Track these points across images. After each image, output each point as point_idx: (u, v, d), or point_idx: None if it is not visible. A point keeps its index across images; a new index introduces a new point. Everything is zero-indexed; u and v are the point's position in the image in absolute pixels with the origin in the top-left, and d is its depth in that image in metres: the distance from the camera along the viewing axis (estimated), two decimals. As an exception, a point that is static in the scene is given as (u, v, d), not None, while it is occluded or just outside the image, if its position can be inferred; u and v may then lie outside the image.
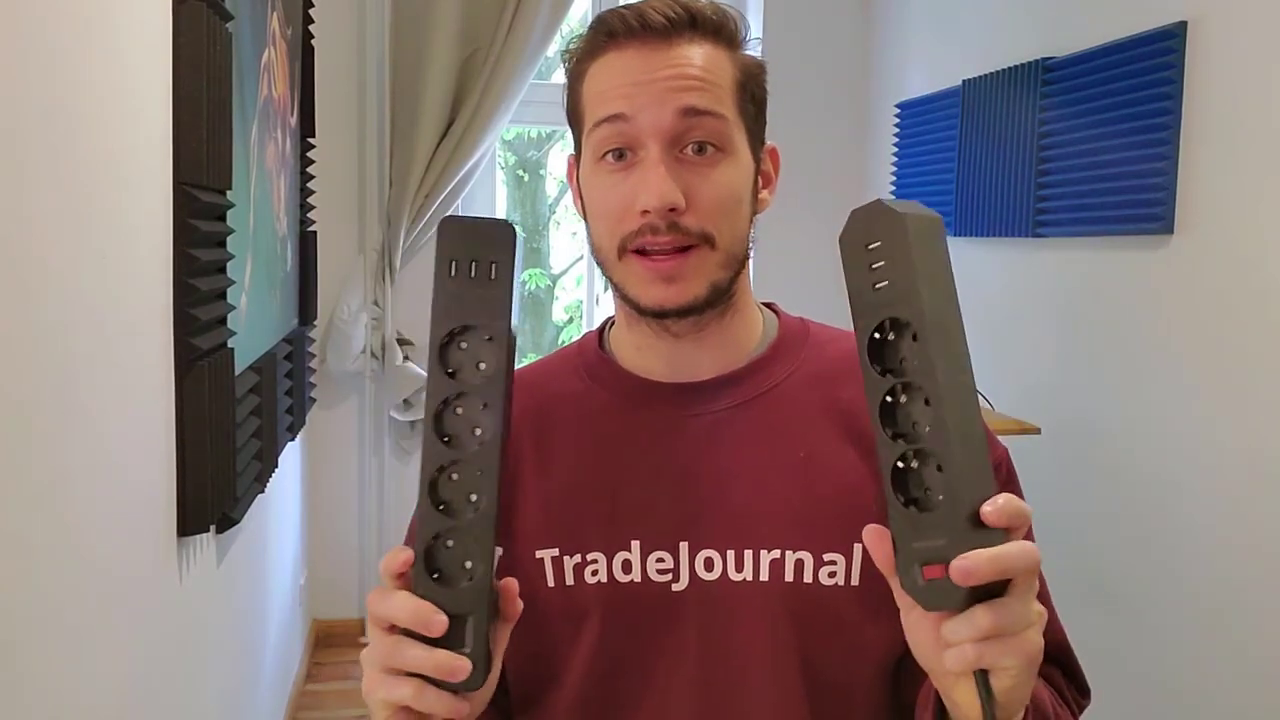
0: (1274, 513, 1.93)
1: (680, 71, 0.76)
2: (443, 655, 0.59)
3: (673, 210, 0.75)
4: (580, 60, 0.80)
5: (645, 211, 0.75)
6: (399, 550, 0.61)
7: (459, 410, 0.59)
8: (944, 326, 0.57)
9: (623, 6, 0.78)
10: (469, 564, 0.59)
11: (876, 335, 0.59)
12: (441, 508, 0.59)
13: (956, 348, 0.58)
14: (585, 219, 0.83)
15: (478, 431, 0.59)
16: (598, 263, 0.82)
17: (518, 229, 0.59)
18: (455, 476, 0.59)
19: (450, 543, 0.59)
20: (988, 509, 0.56)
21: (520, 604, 0.63)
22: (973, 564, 0.55)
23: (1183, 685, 2.16)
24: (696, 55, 0.77)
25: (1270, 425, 1.94)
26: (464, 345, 0.59)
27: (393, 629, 0.60)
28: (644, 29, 0.76)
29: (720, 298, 0.79)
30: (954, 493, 0.56)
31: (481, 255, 0.59)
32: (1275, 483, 1.93)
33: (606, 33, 0.78)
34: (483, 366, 0.59)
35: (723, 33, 0.79)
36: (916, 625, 0.62)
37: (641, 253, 0.77)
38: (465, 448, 0.59)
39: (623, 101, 0.76)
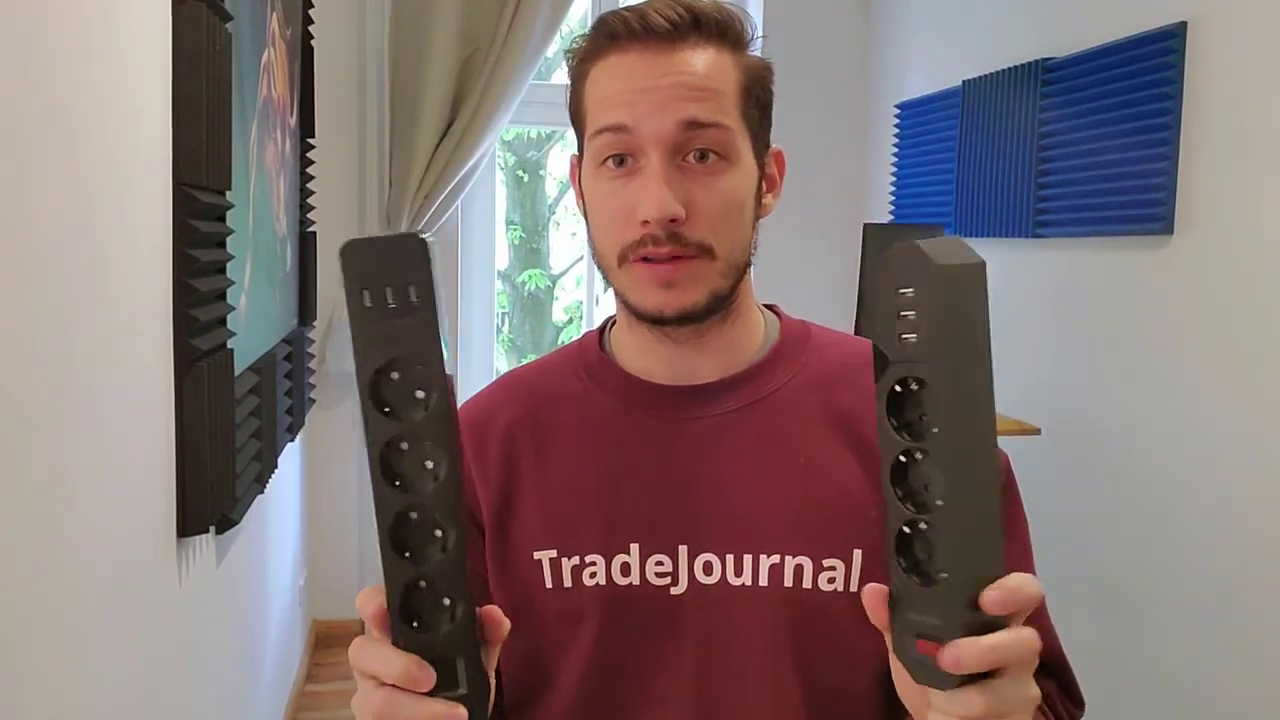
0: (1274, 513, 1.93)
1: (682, 79, 0.74)
2: (439, 707, 0.56)
3: (673, 221, 0.74)
4: (582, 61, 0.79)
5: (646, 221, 0.74)
6: (373, 593, 0.57)
7: (405, 448, 0.53)
8: (970, 395, 0.53)
9: (626, 8, 0.77)
10: (447, 602, 0.55)
11: (898, 388, 0.55)
12: (407, 555, 0.54)
13: (980, 418, 0.53)
14: (587, 219, 0.82)
15: (429, 465, 0.53)
16: (599, 267, 0.82)
17: (428, 239, 0.52)
18: (415, 518, 0.54)
19: (423, 584, 0.55)
20: (991, 596, 0.53)
21: (506, 626, 0.60)
22: (964, 654, 0.53)
23: (1183, 685, 2.16)
24: (700, 61, 0.75)
25: (1270, 425, 1.94)
26: (396, 378, 0.53)
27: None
28: (646, 31, 0.75)
29: (720, 305, 0.78)
30: (957, 574, 0.53)
31: (396, 278, 0.52)
32: (1275, 483, 1.93)
33: (608, 34, 0.77)
34: (421, 396, 0.53)
35: (728, 34, 0.77)
36: (905, 677, 0.60)
37: (642, 259, 0.76)
38: (421, 489, 0.53)
39: (624, 110, 0.75)
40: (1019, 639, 0.54)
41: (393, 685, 0.56)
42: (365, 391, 0.53)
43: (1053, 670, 0.82)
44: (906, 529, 0.55)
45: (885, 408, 0.56)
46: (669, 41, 0.75)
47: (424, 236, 0.52)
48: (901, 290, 0.54)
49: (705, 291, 0.76)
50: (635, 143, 0.75)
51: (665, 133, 0.74)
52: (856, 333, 2.38)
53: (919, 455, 0.55)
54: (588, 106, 0.79)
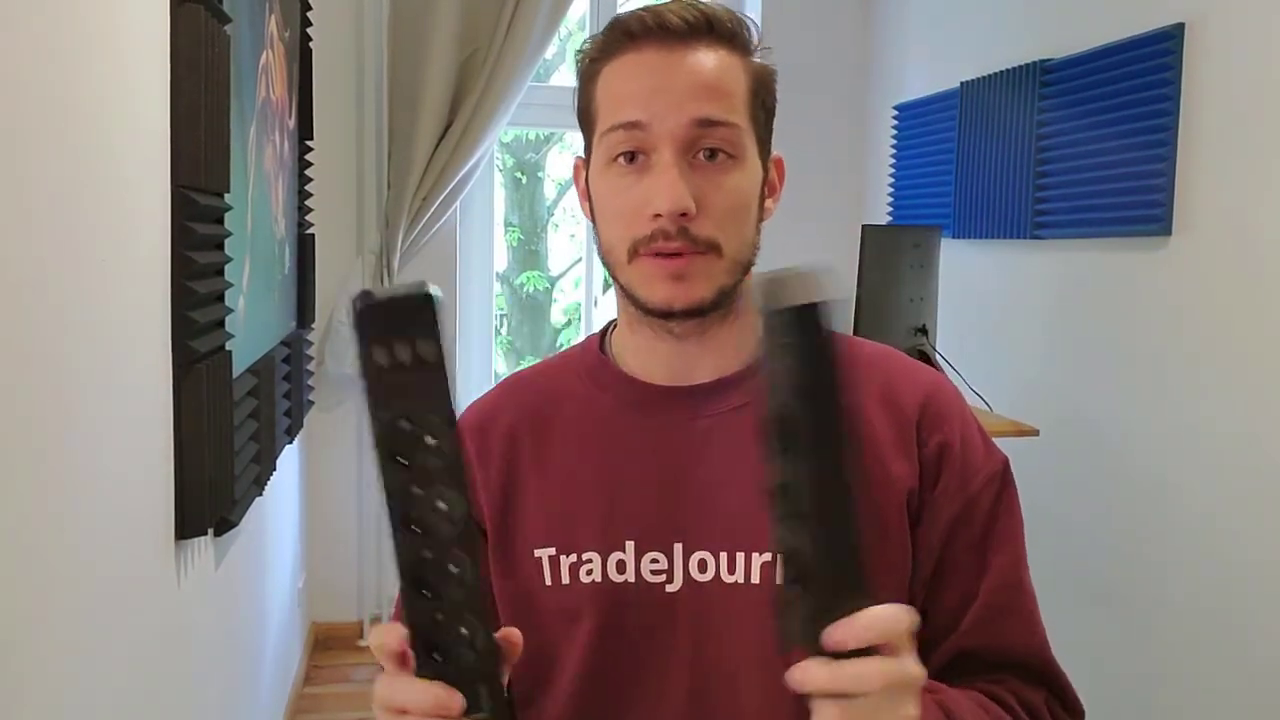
0: (1273, 513, 1.93)
1: (697, 78, 0.76)
2: None
3: (684, 215, 0.75)
4: (594, 60, 0.80)
5: (657, 215, 0.75)
6: (391, 629, 0.59)
7: (419, 493, 0.56)
8: (801, 436, 0.54)
9: (640, 9, 0.79)
10: (465, 632, 0.57)
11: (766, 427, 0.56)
12: (426, 593, 0.57)
13: (827, 460, 0.54)
14: (593, 221, 0.83)
15: (443, 507, 0.56)
16: (606, 265, 0.82)
17: (434, 292, 0.54)
18: (432, 558, 0.56)
19: (443, 618, 0.57)
20: (834, 637, 0.55)
21: (520, 646, 0.61)
22: (807, 678, 0.55)
23: (1182, 685, 2.16)
24: (712, 61, 0.77)
25: (1269, 426, 1.94)
26: (408, 428, 0.55)
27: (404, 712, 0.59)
28: (663, 30, 0.77)
29: (725, 301, 0.80)
30: (813, 605, 0.55)
31: (406, 334, 0.53)
32: (1274, 483, 1.93)
33: (624, 33, 0.78)
34: (432, 443, 0.55)
35: (737, 40, 0.79)
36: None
37: (652, 255, 0.77)
38: (437, 531, 0.56)
39: (639, 108, 0.76)
40: (856, 674, 0.55)
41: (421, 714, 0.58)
42: (379, 442, 0.55)
43: (1043, 676, 0.82)
44: (784, 536, 0.57)
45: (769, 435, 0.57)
46: (684, 41, 0.77)
47: (432, 291, 0.54)
48: (763, 329, 0.55)
49: (713, 287, 0.78)
50: (648, 139, 0.76)
51: (679, 130, 0.75)
52: (855, 333, 2.38)
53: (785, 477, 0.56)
54: (599, 105, 0.80)
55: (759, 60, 0.81)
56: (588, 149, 0.83)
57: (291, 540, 3.00)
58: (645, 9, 0.78)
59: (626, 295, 0.81)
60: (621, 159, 0.78)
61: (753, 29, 0.81)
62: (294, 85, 2.68)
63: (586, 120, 0.82)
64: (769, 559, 0.78)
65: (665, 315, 0.79)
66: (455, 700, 0.56)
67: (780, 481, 0.55)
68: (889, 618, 0.55)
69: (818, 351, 0.54)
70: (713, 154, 0.76)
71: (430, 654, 0.57)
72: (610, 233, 0.80)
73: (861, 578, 0.56)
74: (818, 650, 0.55)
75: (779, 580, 0.57)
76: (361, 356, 0.54)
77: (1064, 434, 2.51)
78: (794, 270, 0.54)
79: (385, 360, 0.54)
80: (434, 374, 0.54)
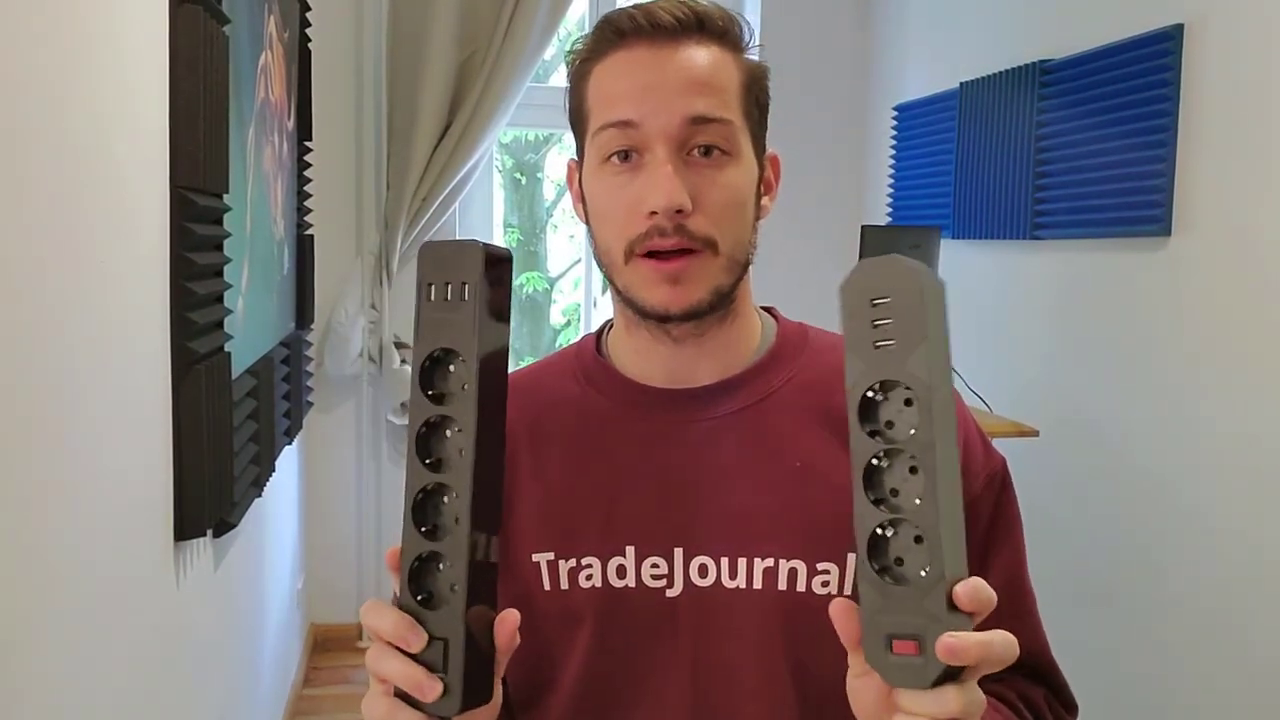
0: (1273, 513, 1.93)
1: (689, 75, 0.75)
2: (417, 671, 0.58)
3: (679, 212, 0.74)
4: (585, 60, 0.80)
5: (653, 213, 0.74)
6: (379, 603, 0.61)
7: (439, 429, 0.59)
8: (946, 399, 0.56)
9: (630, 7, 0.78)
10: (455, 587, 0.58)
11: (869, 394, 0.57)
12: (424, 530, 0.59)
13: (952, 420, 0.56)
14: (588, 223, 0.82)
15: (461, 453, 0.58)
16: (602, 267, 0.82)
17: (503, 244, 0.58)
18: (440, 499, 0.59)
19: (439, 565, 0.59)
20: (962, 591, 0.54)
21: (517, 639, 0.62)
22: (961, 645, 0.53)
23: (1180, 685, 2.16)
24: (704, 58, 0.77)
25: (1268, 426, 1.94)
26: (448, 367, 0.59)
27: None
28: (653, 28, 0.76)
29: (722, 302, 0.79)
30: (936, 570, 0.55)
31: (453, 277, 0.59)
32: (1274, 483, 1.93)
33: (615, 31, 0.77)
34: (465, 388, 0.58)
35: (729, 36, 0.79)
36: (865, 688, 0.61)
37: (649, 255, 0.76)
38: (449, 468, 0.59)
39: (631, 106, 0.75)
40: (1005, 641, 0.56)
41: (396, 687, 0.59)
42: (415, 375, 0.59)
43: (1042, 674, 0.82)
44: (880, 530, 0.57)
45: (858, 414, 0.57)
46: (674, 38, 0.76)
47: (490, 245, 0.59)
48: (877, 300, 0.56)
49: (709, 287, 0.77)
50: (641, 138, 0.75)
51: (672, 127, 0.75)
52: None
53: (887, 459, 0.57)
54: (591, 105, 0.79)
55: (751, 57, 0.81)
56: (580, 150, 0.82)
57: (291, 541, 2.99)
58: (635, 7, 0.78)
59: (623, 298, 0.80)
60: (615, 158, 0.77)
61: (744, 26, 0.80)
62: (293, 86, 2.68)
63: (578, 121, 0.82)
64: (771, 564, 0.78)
65: (663, 319, 0.78)
66: (415, 636, 0.58)
67: (923, 436, 0.56)
68: (987, 588, 0.56)
69: (939, 329, 0.56)
70: (707, 150, 0.76)
71: (415, 594, 0.59)
72: (605, 234, 0.79)
73: (965, 544, 0.56)
74: (940, 624, 0.54)
75: (869, 560, 0.57)
76: (417, 293, 0.60)
77: (1064, 434, 2.51)
78: (901, 259, 0.56)
79: (434, 297, 0.59)
80: (468, 320, 0.58)
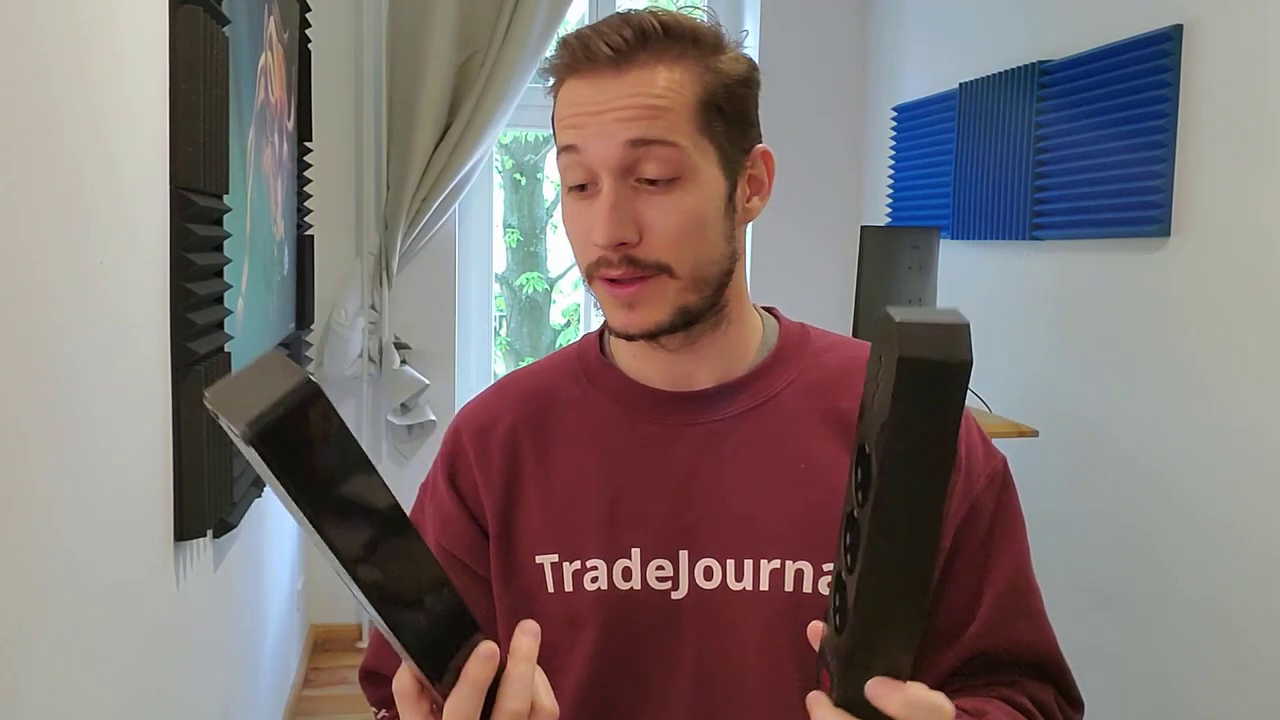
0: (1273, 513, 1.93)
1: (627, 102, 0.73)
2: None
3: (624, 245, 0.74)
4: (551, 82, 0.80)
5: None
6: (402, 674, 0.59)
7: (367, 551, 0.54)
8: (902, 492, 0.51)
9: (580, 30, 0.77)
10: (456, 645, 0.57)
11: (863, 446, 0.54)
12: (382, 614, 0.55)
13: (912, 517, 0.52)
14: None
15: (319, 546, 0.54)
16: None
17: (312, 380, 0.50)
18: (349, 581, 0.54)
19: (426, 623, 0.56)
20: (877, 691, 0.56)
21: (536, 635, 0.63)
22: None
23: (1180, 685, 2.16)
24: (649, 80, 0.74)
25: (1268, 426, 1.94)
26: (342, 499, 0.54)
27: None
28: (589, 60, 0.75)
29: (694, 318, 0.78)
30: (856, 639, 0.55)
31: (249, 457, 0.50)
32: (1274, 483, 1.93)
33: (567, 56, 0.77)
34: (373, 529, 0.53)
35: (681, 50, 0.75)
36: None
37: (607, 279, 0.77)
38: (329, 556, 0.54)
39: (573, 133, 0.76)
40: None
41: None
42: (323, 536, 0.53)
43: (1050, 672, 0.82)
44: (843, 575, 0.57)
45: (854, 460, 0.55)
46: (614, 66, 0.74)
47: (309, 379, 0.49)
48: (877, 355, 0.52)
49: (668, 309, 0.77)
50: (588, 165, 0.75)
51: (611, 156, 0.74)
52: (854, 335, 2.38)
53: (859, 515, 0.54)
54: (555, 127, 0.80)
55: (721, 61, 0.77)
56: None
57: (290, 542, 2.99)
58: (581, 32, 0.77)
59: None
60: (574, 190, 0.77)
61: (702, 31, 0.76)
62: (293, 87, 2.68)
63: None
64: (777, 566, 0.78)
65: (628, 339, 0.79)
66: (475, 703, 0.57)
67: (872, 523, 0.53)
68: (934, 708, 0.56)
69: (947, 414, 0.50)
70: (654, 180, 0.74)
71: (439, 672, 0.56)
72: (573, 254, 0.81)
73: (911, 635, 0.56)
74: (850, 687, 0.56)
75: (829, 606, 0.59)
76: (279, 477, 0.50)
77: (1063, 434, 2.51)
78: (945, 317, 0.49)
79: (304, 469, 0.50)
80: (283, 495, 0.50)
